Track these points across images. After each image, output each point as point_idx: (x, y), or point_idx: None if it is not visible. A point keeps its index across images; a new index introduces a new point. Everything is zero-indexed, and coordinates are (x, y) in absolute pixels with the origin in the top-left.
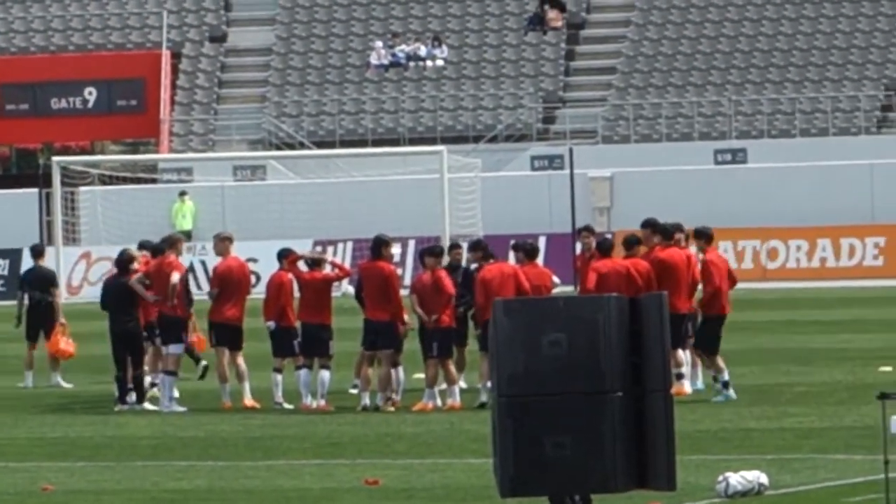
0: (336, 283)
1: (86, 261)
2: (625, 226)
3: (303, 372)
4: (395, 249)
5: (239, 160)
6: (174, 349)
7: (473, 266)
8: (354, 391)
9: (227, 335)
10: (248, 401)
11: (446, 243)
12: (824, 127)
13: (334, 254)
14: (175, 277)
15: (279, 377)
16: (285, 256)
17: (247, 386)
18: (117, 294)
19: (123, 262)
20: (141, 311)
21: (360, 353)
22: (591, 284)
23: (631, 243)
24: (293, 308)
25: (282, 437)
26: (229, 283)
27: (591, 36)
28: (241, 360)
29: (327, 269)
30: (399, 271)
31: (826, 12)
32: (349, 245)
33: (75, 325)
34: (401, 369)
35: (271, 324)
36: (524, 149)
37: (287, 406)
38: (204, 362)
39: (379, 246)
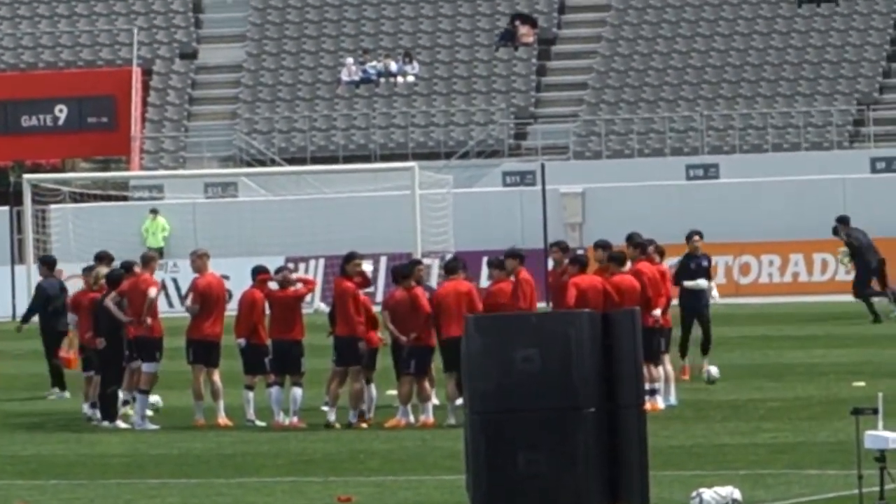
0: (307, 300)
1: None
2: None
3: (274, 389)
4: (367, 266)
5: (210, 177)
6: (148, 367)
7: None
8: (326, 408)
9: (205, 352)
10: (222, 419)
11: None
12: (796, 142)
13: (306, 270)
14: (152, 293)
15: (251, 394)
16: (259, 274)
17: (221, 404)
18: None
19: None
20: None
21: (331, 371)
22: (571, 301)
23: (620, 260)
24: (265, 326)
25: (254, 454)
26: (208, 300)
27: (562, 52)
28: (216, 378)
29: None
30: (371, 288)
31: (797, 27)
32: (321, 262)
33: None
34: (373, 386)
35: (242, 341)
36: (496, 165)
37: (259, 423)
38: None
39: (344, 263)
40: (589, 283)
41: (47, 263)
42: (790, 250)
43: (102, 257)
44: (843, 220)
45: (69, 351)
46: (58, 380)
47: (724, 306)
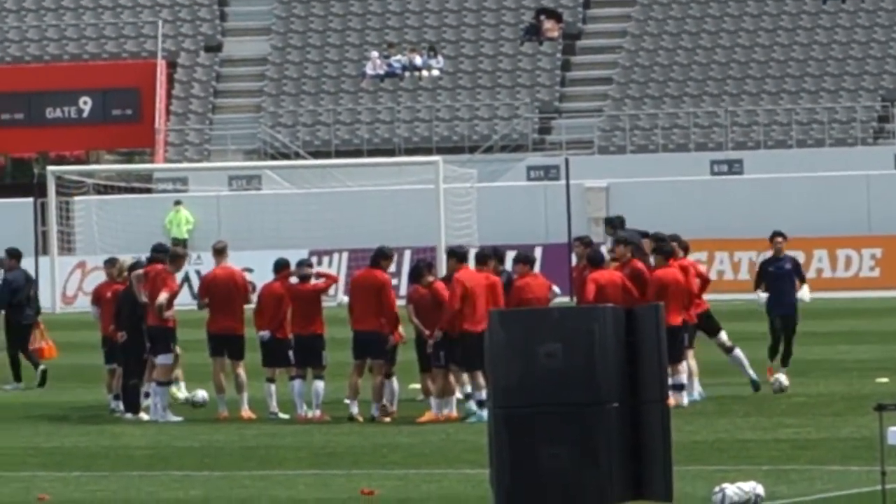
0: (330, 293)
1: (81, 270)
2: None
3: (297, 382)
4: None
5: (234, 170)
6: (163, 359)
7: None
8: (348, 401)
9: (221, 345)
10: (245, 412)
11: (442, 254)
12: (821, 138)
13: (329, 264)
14: (162, 297)
15: (272, 387)
16: (282, 268)
17: (245, 397)
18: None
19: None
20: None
21: (353, 365)
22: (590, 296)
23: (668, 253)
24: (287, 319)
25: (277, 447)
26: (214, 293)
27: (587, 46)
28: (241, 371)
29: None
30: (395, 282)
31: (823, 23)
32: (344, 255)
33: (69, 335)
34: (395, 380)
35: (265, 334)
36: (520, 159)
37: (282, 416)
38: (42, 367)
39: (378, 258)
40: (608, 278)
41: (14, 255)
42: (814, 246)
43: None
44: (611, 223)
45: (41, 342)
46: (15, 371)
47: (747, 302)
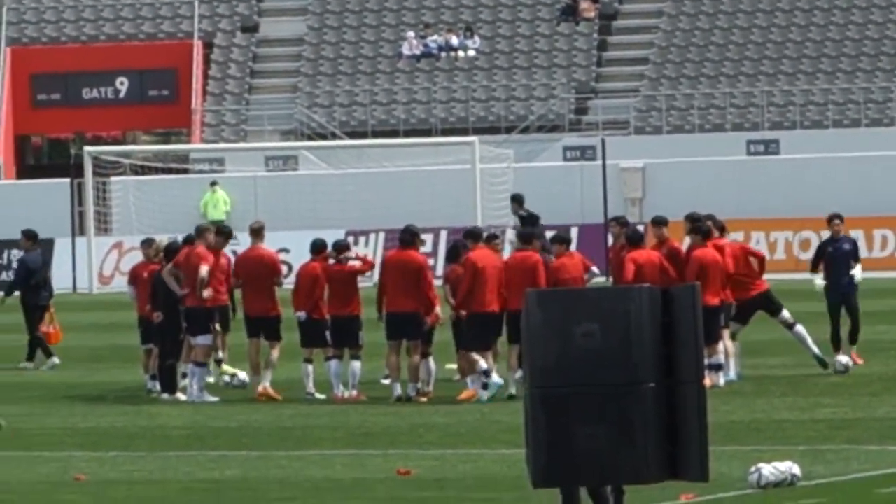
0: (366, 275)
1: (117, 251)
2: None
3: (333, 362)
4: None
5: (271, 150)
6: (202, 340)
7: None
8: (386, 382)
9: (258, 326)
10: (262, 388)
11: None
12: (857, 118)
13: (366, 244)
14: (203, 270)
15: (310, 367)
16: (319, 248)
17: (268, 374)
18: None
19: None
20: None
21: (388, 346)
22: (629, 276)
23: (706, 233)
24: (324, 299)
25: (314, 427)
26: (245, 275)
27: (623, 26)
28: (275, 351)
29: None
30: (430, 262)
31: (858, 3)
32: (381, 235)
33: (106, 316)
34: (431, 360)
35: (302, 314)
36: (556, 139)
37: (319, 396)
38: (55, 359)
39: (413, 238)
40: (646, 258)
41: (30, 237)
42: (850, 226)
43: (213, 229)
44: (516, 199)
45: (49, 326)
46: (44, 350)
47: (784, 282)
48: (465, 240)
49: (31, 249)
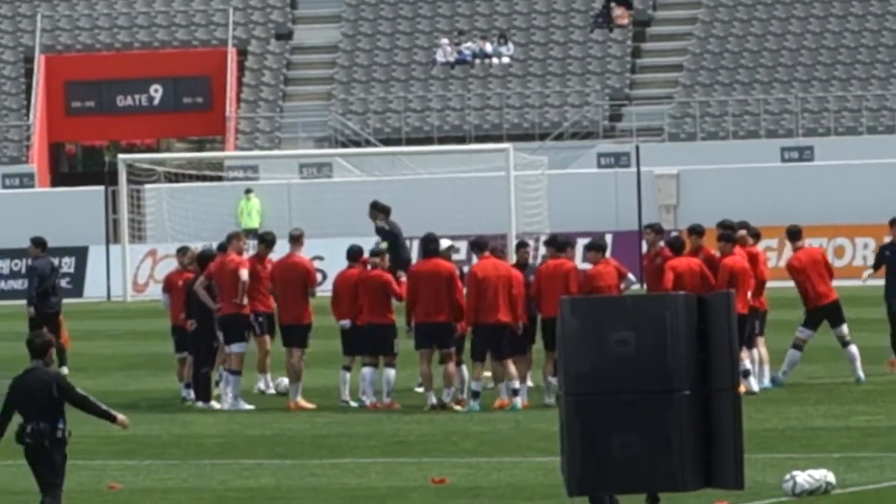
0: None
1: (151, 258)
2: (691, 223)
3: (368, 370)
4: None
5: (305, 158)
6: (237, 348)
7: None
8: (420, 390)
9: (288, 335)
10: (294, 401)
11: (512, 241)
12: (891, 124)
13: None
14: (244, 274)
15: (347, 375)
16: (355, 255)
17: (298, 387)
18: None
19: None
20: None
21: (420, 354)
22: (669, 284)
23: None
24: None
25: (348, 435)
26: (277, 283)
27: (657, 33)
28: (297, 360)
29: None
30: (465, 269)
31: (893, 9)
32: (415, 243)
33: (140, 323)
34: (465, 367)
35: (346, 322)
36: (590, 146)
37: (353, 403)
38: (65, 369)
39: (437, 246)
40: (686, 265)
41: (39, 244)
42: (884, 233)
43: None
44: (379, 207)
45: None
46: (60, 358)
47: None
48: (472, 250)
49: (40, 256)
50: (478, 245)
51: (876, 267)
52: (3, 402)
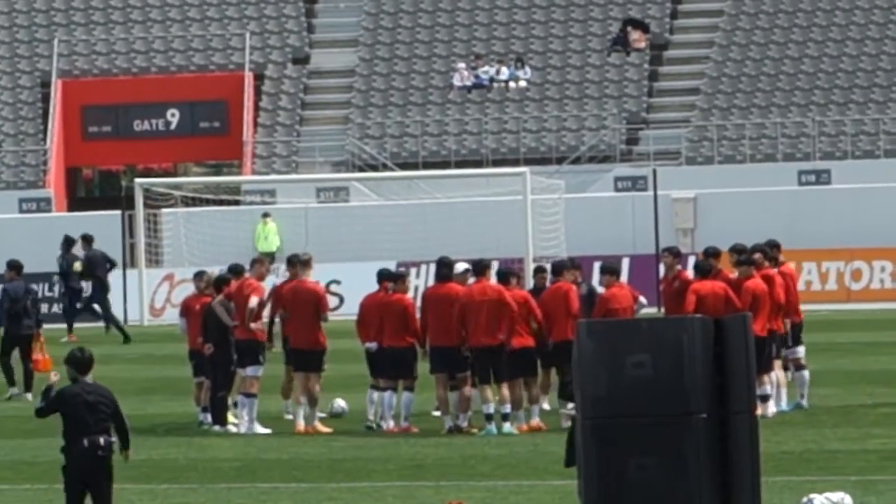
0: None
1: (168, 283)
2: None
3: (387, 394)
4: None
5: (322, 182)
6: (252, 371)
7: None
8: (437, 413)
9: (295, 358)
10: (311, 425)
11: (530, 265)
12: None
13: (417, 276)
14: (253, 301)
15: (375, 395)
16: (383, 279)
17: (315, 410)
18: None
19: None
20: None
21: (435, 379)
22: (690, 307)
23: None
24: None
25: (365, 458)
26: (285, 307)
27: (674, 57)
28: (316, 386)
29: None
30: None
31: None
32: (432, 267)
33: (157, 348)
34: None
35: (372, 345)
36: (607, 170)
37: (384, 427)
38: (16, 390)
39: (448, 268)
40: (710, 288)
41: (13, 267)
42: None
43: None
44: (83, 238)
45: (38, 354)
46: (9, 379)
47: (834, 312)
48: (466, 273)
49: (14, 279)
50: (477, 268)
51: None
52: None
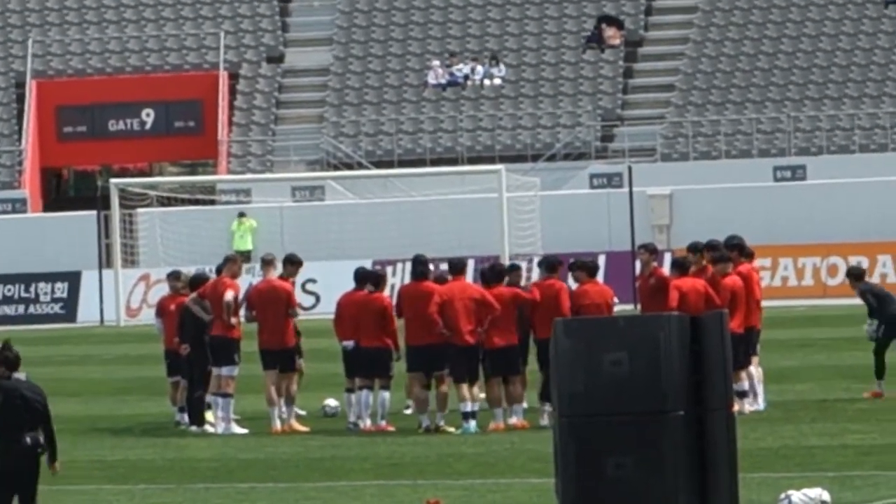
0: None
1: (144, 283)
2: (684, 244)
3: (363, 393)
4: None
5: (297, 181)
6: (227, 371)
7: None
8: (408, 412)
9: (268, 359)
10: (288, 424)
11: (506, 263)
12: (884, 142)
13: (393, 274)
14: (228, 296)
15: (353, 397)
16: (362, 278)
17: (292, 409)
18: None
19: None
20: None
21: (409, 378)
22: (673, 303)
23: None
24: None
25: (343, 458)
26: (257, 307)
27: (649, 53)
28: (292, 385)
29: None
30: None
31: (884, 28)
32: (408, 265)
33: (134, 348)
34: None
35: (349, 343)
36: (583, 167)
37: (360, 426)
38: None
39: (425, 267)
40: (690, 285)
41: None
42: (878, 251)
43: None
44: None
45: None
46: None
47: (811, 308)
48: (450, 271)
49: None
50: (454, 266)
51: None
52: None
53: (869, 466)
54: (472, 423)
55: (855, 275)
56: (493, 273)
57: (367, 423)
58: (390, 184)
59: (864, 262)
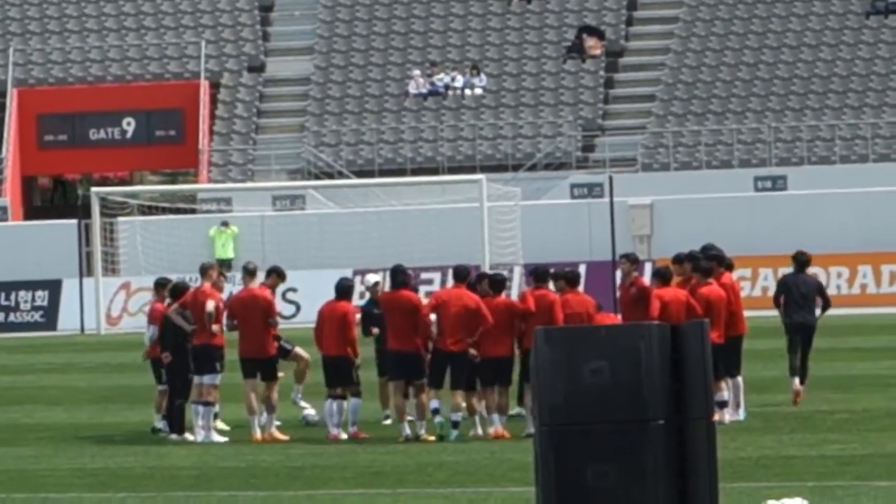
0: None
1: (125, 291)
2: (665, 254)
3: (335, 402)
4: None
5: (278, 190)
6: (209, 379)
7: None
8: (387, 422)
9: (252, 367)
10: (268, 433)
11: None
12: (864, 153)
13: None
14: (210, 306)
15: (335, 406)
16: (343, 289)
17: (272, 417)
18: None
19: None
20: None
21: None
22: (655, 313)
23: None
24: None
25: (323, 466)
26: (237, 316)
27: (629, 64)
28: (273, 393)
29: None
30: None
31: (865, 39)
32: (388, 274)
33: (114, 356)
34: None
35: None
36: (564, 177)
37: (343, 436)
38: None
39: (404, 277)
40: (672, 295)
41: None
42: (858, 262)
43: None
44: None
45: None
46: None
47: None
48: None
49: None
50: (458, 274)
51: None
52: None
53: (849, 477)
54: (454, 433)
55: None
56: (493, 283)
57: (335, 431)
58: (371, 193)
59: (845, 273)
